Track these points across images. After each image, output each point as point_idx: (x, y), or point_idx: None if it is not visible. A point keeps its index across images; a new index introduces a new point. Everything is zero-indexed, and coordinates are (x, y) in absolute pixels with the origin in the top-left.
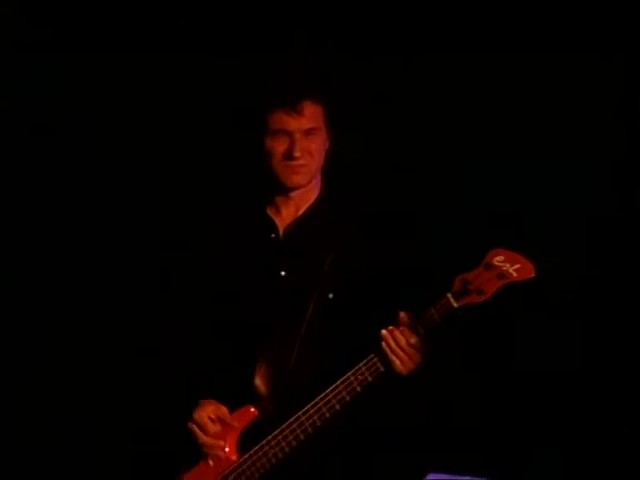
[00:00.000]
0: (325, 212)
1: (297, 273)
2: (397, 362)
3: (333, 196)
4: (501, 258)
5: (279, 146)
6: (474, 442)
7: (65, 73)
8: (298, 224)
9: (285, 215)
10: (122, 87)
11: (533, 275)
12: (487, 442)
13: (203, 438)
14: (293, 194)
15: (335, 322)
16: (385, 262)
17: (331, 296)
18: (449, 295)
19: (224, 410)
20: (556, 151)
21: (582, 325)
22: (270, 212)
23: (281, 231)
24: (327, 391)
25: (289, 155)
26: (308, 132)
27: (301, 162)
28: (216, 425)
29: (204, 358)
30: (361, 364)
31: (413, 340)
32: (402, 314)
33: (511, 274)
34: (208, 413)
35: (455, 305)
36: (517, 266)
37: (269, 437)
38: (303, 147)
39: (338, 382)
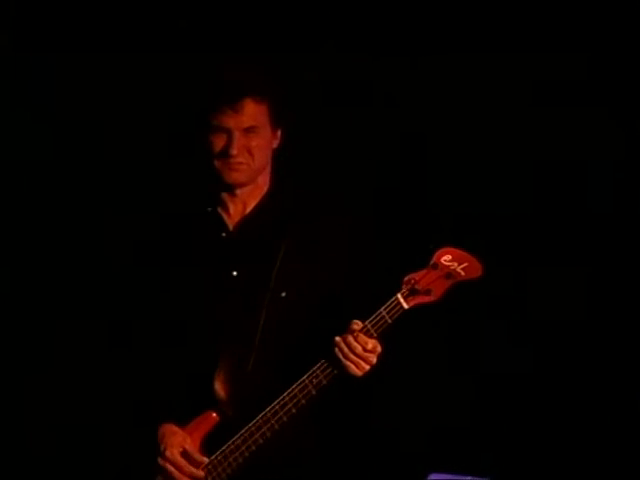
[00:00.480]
0: (274, 209)
1: (249, 272)
2: (352, 367)
3: (282, 193)
4: (449, 257)
5: (218, 143)
6: (474, 442)
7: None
8: (247, 222)
9: (233, 213)
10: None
11: (480, 274)
12: (487, 442)
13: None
14: (239, 192)
15: (290, 320)
16: (336, 260)
17: (284, 294)
18: (399, 296)
19: (189, 441)
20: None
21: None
22: (219, 210)
23: (231, 229)
24: (283, 395)
25: (227, 153)
26: (248, 130)
27: (239, 160)
28: (187, 458)
29: (159, 365)
30: (316, 367)
31: (369, 346)
32: (354, 323)
33: (459, 273)
34: (178, 449)
35: (405, 306)
36: (465, 265)
37: (229, 442)
38: (241, 145)
39: (294, 386)
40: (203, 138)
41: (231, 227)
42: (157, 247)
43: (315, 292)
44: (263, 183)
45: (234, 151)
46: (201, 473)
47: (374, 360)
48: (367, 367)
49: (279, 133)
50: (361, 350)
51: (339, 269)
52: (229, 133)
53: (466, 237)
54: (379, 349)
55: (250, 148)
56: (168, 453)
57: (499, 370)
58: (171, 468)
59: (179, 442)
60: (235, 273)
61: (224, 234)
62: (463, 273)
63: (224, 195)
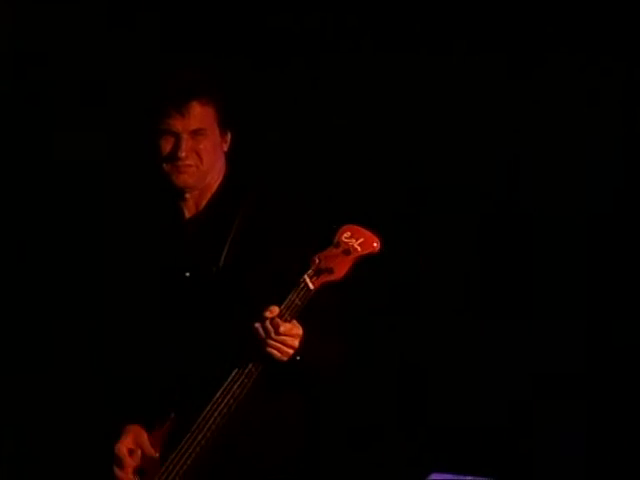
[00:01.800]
0: (221, 207)
1: (199, 273)
2: (273, 351)
3: (232, 190)
4: (348, 234)
5: (166, 147)
6: (475, 442)
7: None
8: (196, 223)
9: (187, 212)
10: None
11: (377, 248)
12: (488, 442)
13: (118, 473)
14: (189, 195)
15: (237, 314)
16: (280, 251)
17: (228, 289)
18: (305, 277)
19: (143, 437)
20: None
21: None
22: (175, 213)
23: (183, 229)
24: (220, 390)
25: (175, 156)
26: (196, 133)
27: (188, 162)
28: (134, 456)
29: (121, 365)
30: (244, 357)
31: (282, 329)
32: (267, 309)
33: (356, 249)
34: (127, 444)
35: (311, 287)
36: (361, 240)
37: (182, 440)
38: (189, 148)
39: (228, 380)
40: (152, 142)
41: (182, 227)
42: (121, 254)
43: (258, 284)
44: (214, 184)
45: (182, 154)
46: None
47: (295, 343)
48: (289, 351)
49: (229, 136)
50: (275, 334)
51: (283, 260)
52: (177, 136)
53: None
54: (297, 331)
55: (199, 151)
56: (116, 449)
57: (499, 370)
58: (114, 465)
59: (132, 439)
60: (188, 274)
61: (175, 234)
62: (359, 248)
63: (177, 198)
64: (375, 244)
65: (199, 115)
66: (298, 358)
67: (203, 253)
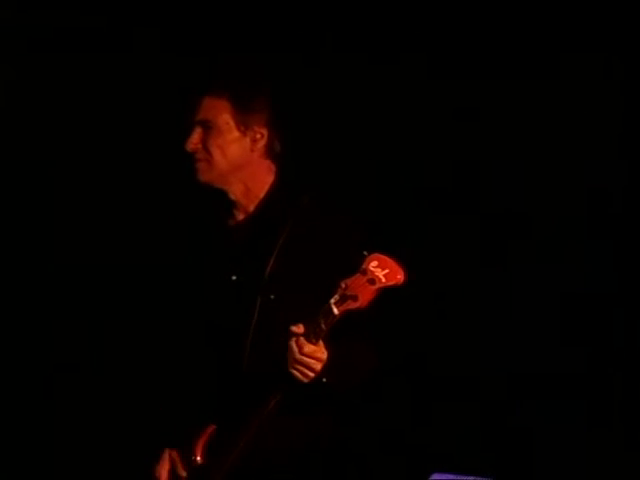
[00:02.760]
0: (271, 214)
1: (245, 276)
2: (294, 372)
3: (281, 196)
4: (375, 263)
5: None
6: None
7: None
8: (245, 226)
9: (236, 215)
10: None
11: (400, 281)
12: (488, 442)
13: None
14: (233, 197)
15: (279, 323)
16: (328, 261)
17: (272, 297)
18: (331, 301)
19: (178, 459)
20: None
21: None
22: (225, 215)
23: (231, 234)
24: (255, 401)
25: (185, 148)
26: (205, 125)
27: (197, 156)
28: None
29: (166, 371)
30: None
31: (306, 349)
32: (294, 326)
33: (380, 279)
34: (167, 467)
35: (336, 312)
36: (386, 271)
37: (218, 453)
38: (197, 140)
39: (263, 391)
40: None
41: (232, 230)
42: (177, 251)
43: (304, 294)
44: (256, 187)
45: (187, 145)
46: None
47: (317, 367)
48: (310, 374)
49: (260, 134)
50: (299, 354)
51: (331, 270)
52: (190, 128)
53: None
54: (320, 355)
55: (208, 145)
56: (156, 472)
57: (500, 370)
58: None
59: (170, 462)
60: (234, 278)
61: (226, 237)
62: (384, 279)
63: (224, 201)
64: (399, 276)
65: (209, 107)
66: (324, 380)
67: (251, 258)
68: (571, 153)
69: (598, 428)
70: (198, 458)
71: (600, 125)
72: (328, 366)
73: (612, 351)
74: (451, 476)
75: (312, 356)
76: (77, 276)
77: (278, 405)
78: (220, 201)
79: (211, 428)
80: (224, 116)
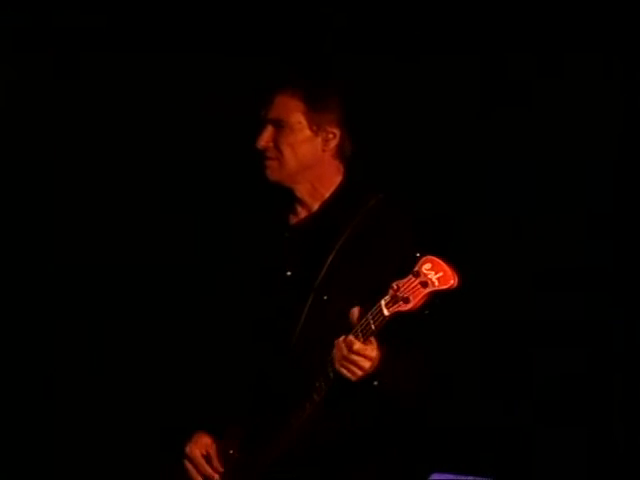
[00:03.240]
0: (333, 214)
1: (300, 273)
2: (341, 369)
3: (346, 200)
4: (429, 266)
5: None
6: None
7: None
8: (307, 224)
9: (300, 214)
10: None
11: (453, 285)
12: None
13: (197, 477)
14: (299, 194)
15: (329, 323)
16: (385, 265)
17: (326, 297)
18: (382, 302)
19: (213, 449)
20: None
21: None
22: (287, 212)
23: (292, 230)
24: (298, 397)
25: (256, 145)
26: (277, 124)
27: (267, 154)
28: (207, 458)
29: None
30: (325, 369)
31: (355, 346)
32: (350, 316)
33: (433, 282)
34: (200, 451)
35: (386, 313)
36: (439, 275)
37: (255, 446)
38: (268, 138)
39: (307, 387)
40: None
41: (293, 228)
42: (238, 251)
43: (357, 296)
44: (323, 186)
45: (259, 142)
46: (215, 476)
47: (365, 365)
48: (358, 372)
49: (332, 134)
50: (347, 351)
51: (387, 275)
52: (262, 126)
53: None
54: (370, 353)
55: (279, 144)
56: (188, 450)
57: (500, 370)
58: (189, 465)
59: (204, 444)
60: (289, 273)
61: (286, 234)
62: (437, 282)
63: (290, 197)
64: (452, 281)
65: (281, 106)
66: (375, 383)
67: (308, 256)
68: (571, 153)
69: (598, 428)
70: (231, 451)
71: (600, 125)
72: (380, 369)
73: (612, 351)
74: (451, 476)
75: (361, 354)
76: (130, 271)
77: (321, 404)
78: (284, 197)
79: (248, 422)
80: (297, 115)
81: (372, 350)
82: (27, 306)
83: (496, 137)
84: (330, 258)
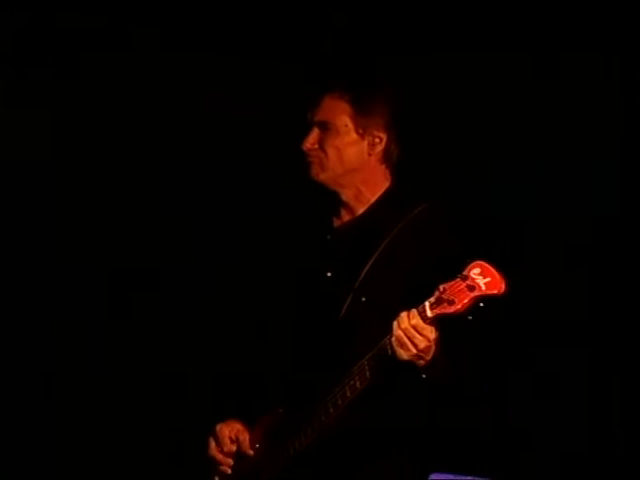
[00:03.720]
0: (377, 219)
1: (340, 275)
2: (395, 342)
3: (391, 206)
4: (477, 271)
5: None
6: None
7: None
8: (350, 227)
9: (344, 217)
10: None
11: (501, 291)
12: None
13: (216, 453)
14: (344, 198)
15: (366, 325)
16: (425, 271)
17: (364, 299)
18: (426, 303)
19: (245, 435)
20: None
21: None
22: (331, 213)
23: (336, 232)
24: (344, 377)
25: (301, 147)
26: (324, 127)
27: (312, 155)
28: (233, 445)
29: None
30: (374, 349)
31: (414, 321)
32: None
33: (480, 287)
34: (229, 432)
35: (429, 315)
36: (488, 280)
37: (286, 437)
38: (314, 139)
39: (354, 367)
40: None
41: (336, 230)
42: (280, 249)
43: (395, 301)
44: (369, 191)
45: (304, 144)
46: (230, 462)
47: (420, 343)
48: (412, 349)
49: (378, 138)
50: (405, 325)
51: (427, 283)
52: (308, 129)
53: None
54: (428, 334)
55: (324, 146)
56: (218, 428)
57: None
58: (212, 442)
59: (235, 428)
60: (329, 274)
61: (329, 236)
62: (484, 287)
63: (334, 199)
64: (500, 286)
65: (328, 108)
66: (424, 376)
67: (350, 258)
68: (571, 153)
69: (598, 428)
70: (257, 445)
71: (600, 125)
72: (432, 361)
73: (612, 351)
74: (451, 476)
75: (420, 331)
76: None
77: (351, 402)
78: (330, 200)
79: (277, 413)
80: (343, 118)
81: (431, 331)
82: (27, 305)
83: (492, 138)
84: (371, 261)
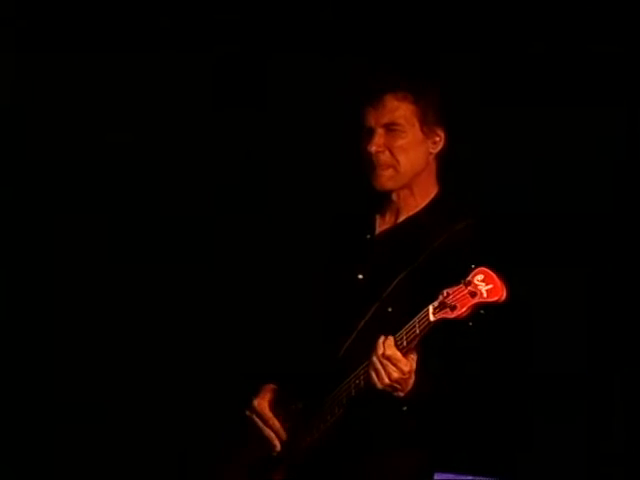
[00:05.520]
0: (421, 227)
1: (371, 279)
2: (371, 372)
3: (435, 218)
4: (480, 277)
5: (364, 144)
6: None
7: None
8: (392, 231)
9: (388, 219)
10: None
11: (502, 298)
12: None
13: (262, 427)
14: (395, 198)
15: (385, 334)
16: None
17: (390, 309)
18: (430, 308)
19: (281, 401)
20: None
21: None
22: (375, 213)
23: (376, 233)
24: (351, 377)
25: (368, 151)
26: (390, 128)
27: (383, 161)
28: (275, 411)
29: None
30: (359, 370)
31: (387, 352)
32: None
33: (482, 293)
34: (268, 402)
35: (432, 318)
36: (490, 287)
37: (301, 431)
38: (382, 143)
39: (360, 368)
40: (359, 141)
41: (378, 231)
42: (315, 243)
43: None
44: (419, 194)
45: (372, 147)
46: (281, 432)
47: (393, 374)
48: (384, 378)
49: (438, 136)
50: (380, 353)
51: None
52: (372, 132)
53: None
54: (402, 366)
55: (393, 148)
56: (256, 403)
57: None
58: (256, 419)
59: (273, 397)
60: (360, 276)
61: (368, 236)
62: (485, 294)
63: (381, 198)
64: (502, 294)
65: (392, 108)
66: (404, 409)
67: (384, 265)
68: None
69: (598, 428)
70: (293, 406)
71: (601, 126)
72: (413, 396)
73: (612, 351)
74: (452, 476)
75: (393, 362)
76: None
77: (344, 413)
78: (377, 197)
79: (296, 408)
80: (410, 118)
81: (405, 364)
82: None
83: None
84: (405, 272)
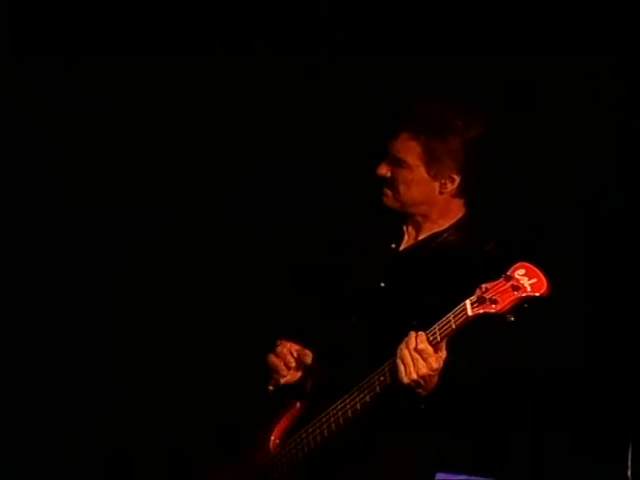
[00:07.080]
0: (449, 244)
1: (393, 289)
2: (400, 365)
3: (466, 233)
4: (522, 271)
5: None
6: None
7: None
8: (417, 245)
9: (412, 232)
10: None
11: (546, 292)
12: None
13: (282, 369)
14: (418, 218)
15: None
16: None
17: (415, 323)
18: (467, 302)
19: (306, 351)
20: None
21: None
22: (403, 224)
23: (403, 245)
24: (353, 390)
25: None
26: (397, 162)
27: (385, 187)
28: (295, 359)
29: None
30: (385, 365)
31: (420, 346)
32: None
33: (525, 287)
34: (289, 348)
35: (469, 313)
36: (533, 281)
37: (304, 428)
38: (386, 171)
39: (364, 382)
40: None
41: (405, 244)
42: (340, 248)
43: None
44: (440, 216)
45: (378, 170)
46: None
47: (422, 370)
48: (413, 374)
49: (451, 180)
50: (412, 347)
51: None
52: (387, 155)
53: None
54: (432, 362)
55: (394, 180)
56: (278, 350)
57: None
58: (276, 361)
59: (293, 346)
60: (382, 285)
61: (393, 245)
62: (529, 288)
63: (402, 220)
64: (546, 288)
65: (402, 146)
66: (422, 407)
67: (408, 276)
68: (570, 154)
69: (598, 428)
70: (277, 441)
71: (600, 125)
72: (432, 397)
73: (612, 351)
74: (452, 476)
75: (424, 356)
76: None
77: (364, 405)
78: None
79: (296, 409)
80: (415, 159)
81: (435, 360)
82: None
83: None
84: (432, 288)
